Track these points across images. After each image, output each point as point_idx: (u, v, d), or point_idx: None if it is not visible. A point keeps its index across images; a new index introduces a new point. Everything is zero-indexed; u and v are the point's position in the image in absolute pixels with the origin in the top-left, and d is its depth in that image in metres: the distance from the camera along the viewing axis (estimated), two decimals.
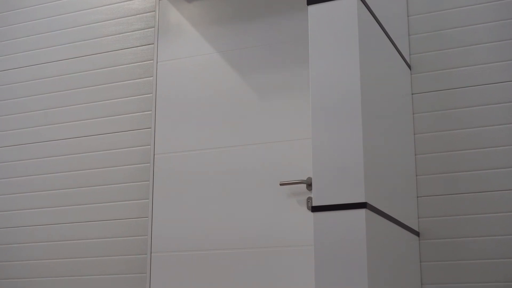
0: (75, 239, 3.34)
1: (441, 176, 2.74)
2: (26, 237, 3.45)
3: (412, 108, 2.84)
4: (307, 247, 2.83)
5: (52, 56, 3.63)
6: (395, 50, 2.67)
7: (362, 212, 2.07)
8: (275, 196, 2.96)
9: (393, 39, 2.65)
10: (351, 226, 2.07)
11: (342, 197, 2.11)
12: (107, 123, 3.41)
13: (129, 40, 3.47)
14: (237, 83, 3.15)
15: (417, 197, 2.76)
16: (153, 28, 3.41)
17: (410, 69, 2.87)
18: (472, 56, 2.79)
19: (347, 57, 2.20)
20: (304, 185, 2.91)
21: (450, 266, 2.65)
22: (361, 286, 2.01)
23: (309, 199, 2.88)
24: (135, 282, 3.16)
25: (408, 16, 2.93)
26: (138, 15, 3.48)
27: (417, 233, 2.70)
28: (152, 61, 3.38)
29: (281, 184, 2.91)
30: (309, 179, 2.88)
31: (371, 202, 2.13)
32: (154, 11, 3.43)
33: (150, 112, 3.32)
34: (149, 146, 3.28)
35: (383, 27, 2.52)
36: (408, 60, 2.86)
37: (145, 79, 3.38)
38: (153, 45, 3.39)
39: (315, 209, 2.13)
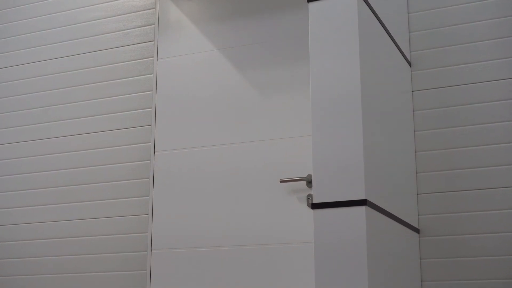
0: (75, 236, 3.34)
1: (441, 173, 2.74)
2: (25, 235, 3.45)
3: (412, 105, 2.84)
4: (307, 244, 2.83)
5: (52, 54, 3.63)
6: (395, 47, 2.67)
7: (362, 209, 2.07)
8: (275, 193, 2.96)
9: (394, 36, 2.65)
10: (351, 223, 2.07)
11: (342, 194, 2.11)
12: (107, 121, 3.41)
13: (129, 37, 3.47)
14: (237, 80, 3.15)
15: (417, 194, 2.76)
16: (153, 25, 3.41)
17: (410, 66, 2.87)
18: (472, 53, 2.78)
19: (347, 54, 2.20)
20: (304, 182, 2.91)
21: (450, 263, 2.65)
22: (361, 283, 2.01)
23: (309, 196, 2.88)
24: (136, 279, 3.16)
25: (408, 13, 2.93)
26: (138, 12, 3.48)
27: (417, 230, 2.70)
28: (152, 58, 3.38)
29: (281, 181, 2.91)
30: (309, 176, 2.88)
31: (371, 199, 2.13)
32: (154, 8, 3.43)
33: (150, 109, 3.32)
34: (149, 144, 3.28)
35: (384, 24, 2.52)
36: (408, 57, 2.86)
37: (145, 76, 3.38)
38: (153, 42, 3.39)
39: (315, 206, 2.13)
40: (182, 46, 3.30)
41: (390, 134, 2.48)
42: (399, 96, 2.70)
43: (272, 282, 2.89)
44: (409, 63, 2.87)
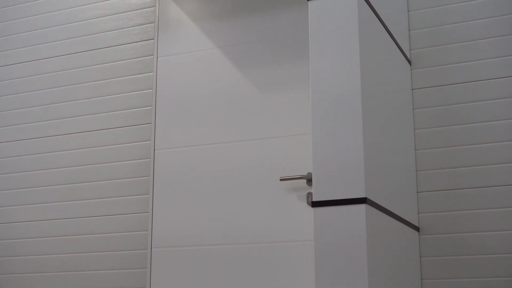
0: (75, 234, 3.34)
1: (441, 171, 2.74)
2: (26, 233, 3.45)
3: (412, 104, 2.84)
4: (307, 242, 2.83)
5: (52, 52, 3.63)
6: (395, 45, 2.67)
7: (362, 207, 2.07)
8: (275, 192, 2.96)
9: (393, 35, 2.65)
10: (351, 222, 2.07)
11: (342, 193, 2.11)
12: (107, 119, 3.41)
13: (129, 35, 3.47)
14: (237, 78, 3.15)
15: (417, 192, 2.76)
16: (153, 23, 3.41)
17: (410, 64, 2.87)
18: (472, 51, 2.78)
19: (347, 52, 2.20)
20: (304, 181, 2.91)
21: (450, 261, 2.66)
22: (361, 282, 2.01)
23: (309, 195, 2.88)
24: (136, 277, 3.16)
25: (408, 11, 2.93)
26: (138, 10, 3.48)
27: (417, 229, 2.70)
28: (152, 56, 3.38)
29: (281, 180, 2.91)
30: (309, 174, 2.88)
31: (371, 197, 2.13)
32: (154, 6, 3.43)
33: (150, 107, 3.32)
34: (149, 142, 3.28)
35: (383, 22, 2.52)
36: (408, 55, 2.86)
37: (145, 74, 3.38)
38: (153, 40, 3.39)
39: (315, 204, 2.13)
40: (182, 44, 3.30)
41: (390, 132, 2.48)
42: (399, 94, 2.70)
43: (272, 280, 2.89)
44: (409, 61, 2.87)
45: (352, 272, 2.03)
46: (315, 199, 2.14)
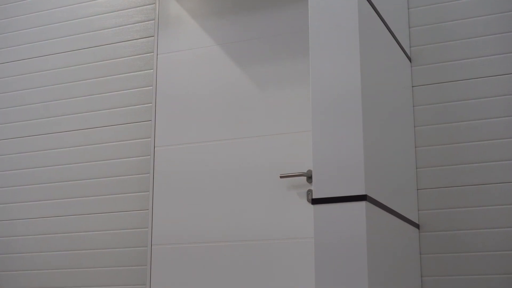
0: (75, 232, 3.34)
1: (441, 168, 2.74)
2: (25, 230, 3.45)
3: (412, 101, 2.84)
4: (307, 239, 2.83)
5: (52, 49, 3.63)
6: (396, 42, 2.67)
7: (362, 204, 2.07)
8: (275, 189, 2.96)
9: (394, 32, 2.64)
10: (351, 219, 2.07)
11: (342, 190, 2.11)
12: (107, 116, 3.41)
13: (129, 32, 3.46)
14: (237, 76, 3.15)
15: (417, 189, 2.76)
16: (153, 21, 3.41)
17: (411, 62, 2.87)
18: (472, 49, 2.78)
19: (347, 49, 2.20)
20: (305, 178, 2.91)
21: (450, 259, 2.66)
22: (361, 279, 2.02)
23: (310, 192, 2.88)
24: (136, 274, 3.16)
25: (408, 9, 2.93)
26: (138, 8, 3.48)
27: (417, 226, 2.70)
28: (152, 53, 3.38)
29: (281, 177, 2.91)
30: (309, 171, 2.88)
31: (371, 194, 2.13)
32: (154, 3, 3.42)
33: (150, 104, 3.32)
34: (149, 139, 3.28)
35: (384, 20, 2.51)
36: (408, 52, 2.86)
37: (145, 71, 3.38)
38: (153, 37, 3.39)
39: (315, 201, 2.13)
40: (182, 41, 3.30)
41: (390, 129, 2.47)
42: (399, 91, 2.70)
43: (272, 277, 2.89)
44: (409, 59, 2.86)
45: (352, 269, 2.03)
46: (315, 196, 2.14)
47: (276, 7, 3.12)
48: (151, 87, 3.34)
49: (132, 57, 3.42)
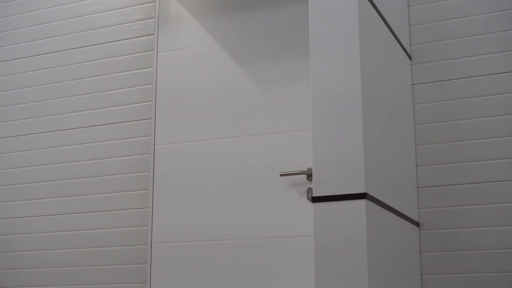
0: (75, 230, 3.34)
1: (441, 166, 2.74)
2: (25, 228, 3.45)
3: (413, 99, 2.84)
4: (307, 237, 2.84)
5: (52, 47, 3.63)
6: (396, 40, 2.67)
7: (362, 202, 2.07)
8: (275, 187, 2.96)
9: (394, 30, 2.64)
10: (351, 217, 2.07)
11: (342, 188, 2.11)
12: (107, 114, 3.41)
13: (129, 30, 3.46)
14: (237, 74, 3.15)
15: (417, 187, 2.76)
16: (153, 19, 3.41)
17: (411, 60, 2.87)
18: (472, 47, 2.78)
19: (347, 48, 2.20)
20: (305, 176, 2.91)
21: (450, 257, 2.66)
22: (361, 277, 2.02)
23: (310, 190, 2.88)
24: (136, 273, 3.17)
25: (408, 7, 2.92)
26: (138, 6, 3.47)
27: (417, 224, 2.71)
28: (152, 51, 3.38)
29: (281, 175, 2.91)
30: (310, 169, 2.89)
31: (371, 192, 2.13)
32: (154, 1, 3.42)
33: (150, 102, 3.32)
34: (149, 137, 3.28)
35: (384, 18, 2.51)
36: (408, 50, 2.86)
37: (145, 69, 3.38)
38: (153, 35, 3.39)
39: (315, 199, 2.13)
40: (182, 39, 3.30)
41: (390, 127, 2.48)
42: (399, 89, 2.70)
43: (272, 275, 2.89)
44: (409, 57, 2.86)
45: (352, 267, 2.03)
46: (315, 194, 2.14)
47: (276, 6, 3.12)
48: (151, 85, 3.34)
49: (132, 55, 3.42)
